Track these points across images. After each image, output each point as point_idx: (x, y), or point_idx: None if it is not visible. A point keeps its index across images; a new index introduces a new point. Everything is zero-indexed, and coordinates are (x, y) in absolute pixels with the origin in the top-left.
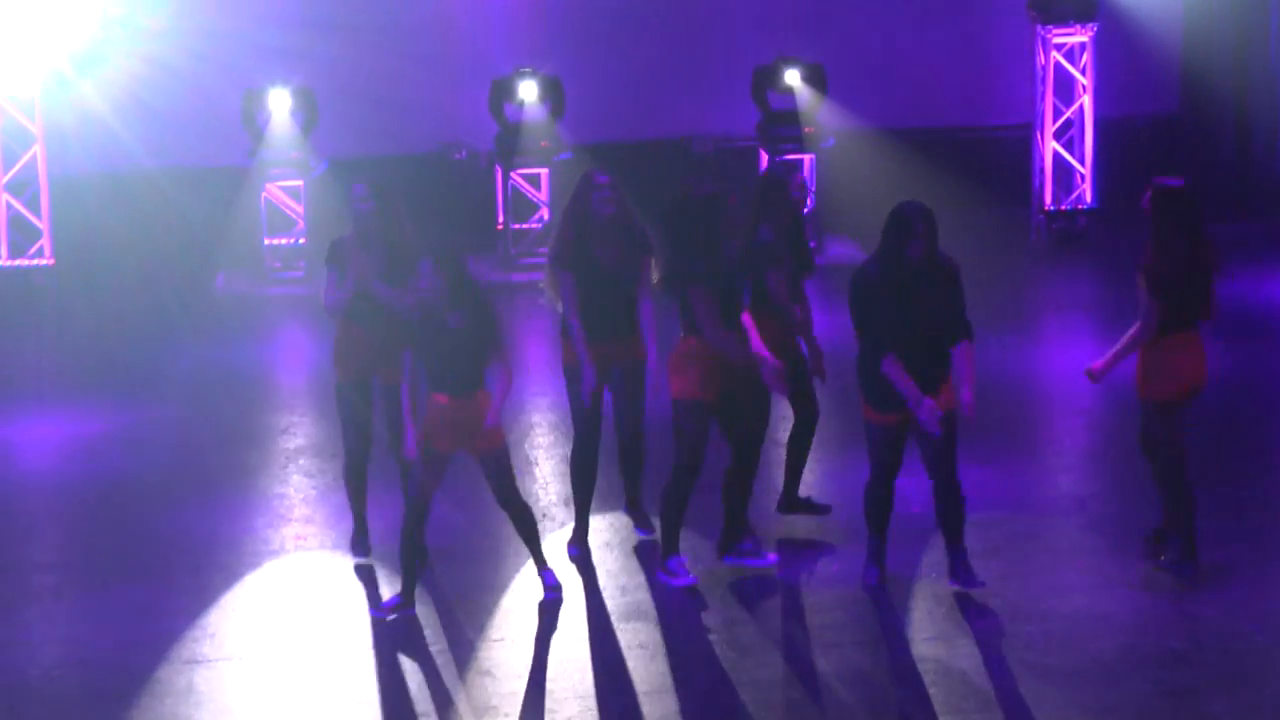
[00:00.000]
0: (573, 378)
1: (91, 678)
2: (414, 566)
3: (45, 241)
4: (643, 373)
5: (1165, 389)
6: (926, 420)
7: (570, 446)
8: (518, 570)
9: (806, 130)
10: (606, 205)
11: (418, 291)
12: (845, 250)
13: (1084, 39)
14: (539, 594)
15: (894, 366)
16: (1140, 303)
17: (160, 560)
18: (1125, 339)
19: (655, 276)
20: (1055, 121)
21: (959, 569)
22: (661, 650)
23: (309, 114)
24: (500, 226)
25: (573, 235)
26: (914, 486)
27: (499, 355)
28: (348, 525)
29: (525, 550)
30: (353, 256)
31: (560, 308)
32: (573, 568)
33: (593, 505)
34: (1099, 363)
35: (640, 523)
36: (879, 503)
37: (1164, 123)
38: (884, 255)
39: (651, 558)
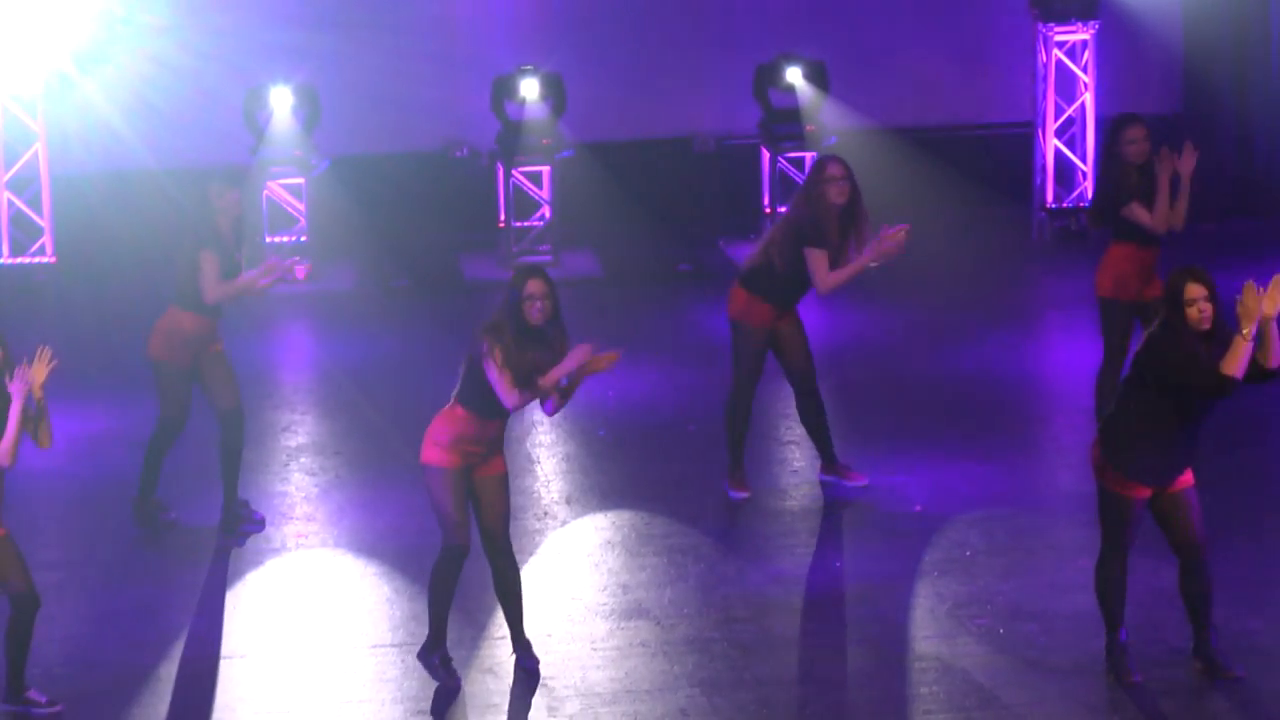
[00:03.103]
0: (735, 328)
1: (92, 677)
2: None
3: (47, 239)
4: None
5: None
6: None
7: (571, 443)
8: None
9: (808, 128)
10: (840, 195)
11: None
12: None
13: (1085, 37)
14: (535, 593)
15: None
16: None
17: (161, 559)
18: None
19: None
20: (1057, 119)
21: (1205, 649)
22: (661, 649)
23: (311, 112)
24: (502, 224)
25: (817, 217)
26: (914, 485)
27: None
28: (349, 523)
29: (525, 549)
30: None
31: (779, 266)
32: (578, 566)
33: (595, 502)
34: None
35: (845, 475)
36: (1115, 584)
37: (1165, 121)
38: (1168, 328)
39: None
